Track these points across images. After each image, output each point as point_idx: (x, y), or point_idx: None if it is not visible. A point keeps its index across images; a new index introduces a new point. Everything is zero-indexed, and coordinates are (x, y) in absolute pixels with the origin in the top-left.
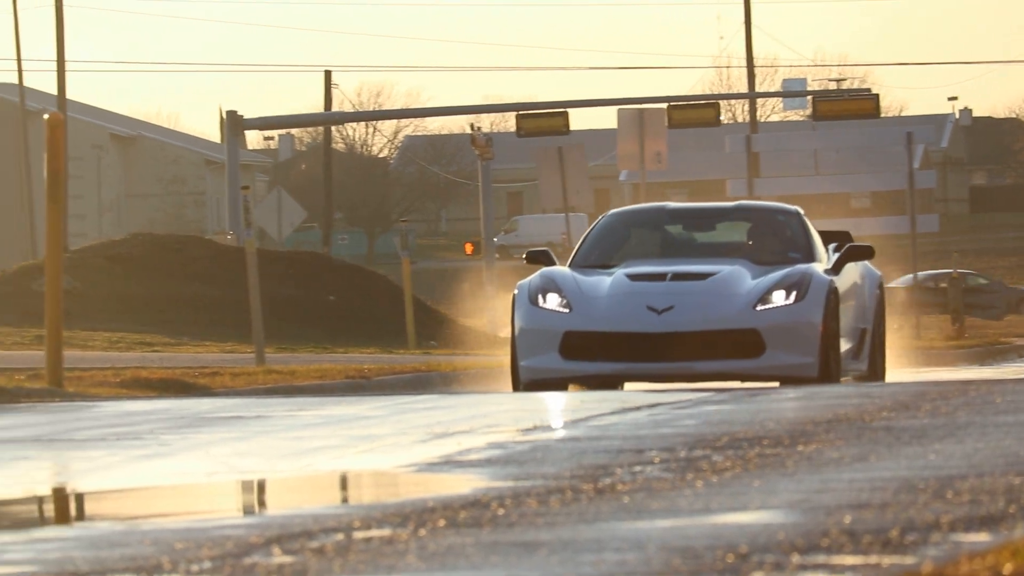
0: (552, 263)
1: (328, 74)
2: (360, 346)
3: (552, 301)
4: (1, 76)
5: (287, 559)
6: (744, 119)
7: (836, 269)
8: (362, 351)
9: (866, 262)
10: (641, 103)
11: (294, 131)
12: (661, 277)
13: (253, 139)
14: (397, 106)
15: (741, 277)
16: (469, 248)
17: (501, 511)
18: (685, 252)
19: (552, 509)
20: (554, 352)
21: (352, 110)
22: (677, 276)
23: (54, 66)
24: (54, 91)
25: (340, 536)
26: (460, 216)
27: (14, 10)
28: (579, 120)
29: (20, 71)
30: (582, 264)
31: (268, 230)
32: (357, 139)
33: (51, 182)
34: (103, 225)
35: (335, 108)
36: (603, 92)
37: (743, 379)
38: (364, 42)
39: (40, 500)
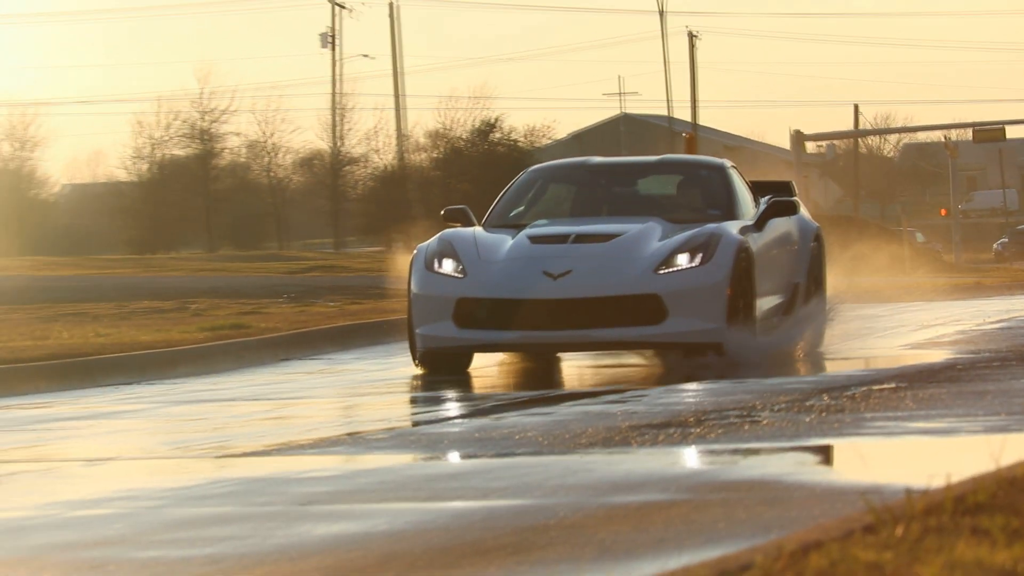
0: (470, 221)
1: (856, 107)
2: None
3: (447, 266)
4: (649, 108)
5: (832, 402)
6: None
7: (759, 225)
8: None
9: (804, 214)
10: None
11: (836, 141)
12: (563, 239)
13: (811, 146)
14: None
15: (648, 238)
16: (943, 212)
17: (962, 372)
18: (601, 210)
19: (995, 371)
20: (448, 320)
21: (870, 127)
22: (580, 238)
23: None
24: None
25: (863, 388)
26: (937, 193)
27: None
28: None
29: (669, 103)
30: (496, 223)
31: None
32: (873, 145)
33: None
34: None
35: (861, 126)
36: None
37: (645, 347)
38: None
39: None
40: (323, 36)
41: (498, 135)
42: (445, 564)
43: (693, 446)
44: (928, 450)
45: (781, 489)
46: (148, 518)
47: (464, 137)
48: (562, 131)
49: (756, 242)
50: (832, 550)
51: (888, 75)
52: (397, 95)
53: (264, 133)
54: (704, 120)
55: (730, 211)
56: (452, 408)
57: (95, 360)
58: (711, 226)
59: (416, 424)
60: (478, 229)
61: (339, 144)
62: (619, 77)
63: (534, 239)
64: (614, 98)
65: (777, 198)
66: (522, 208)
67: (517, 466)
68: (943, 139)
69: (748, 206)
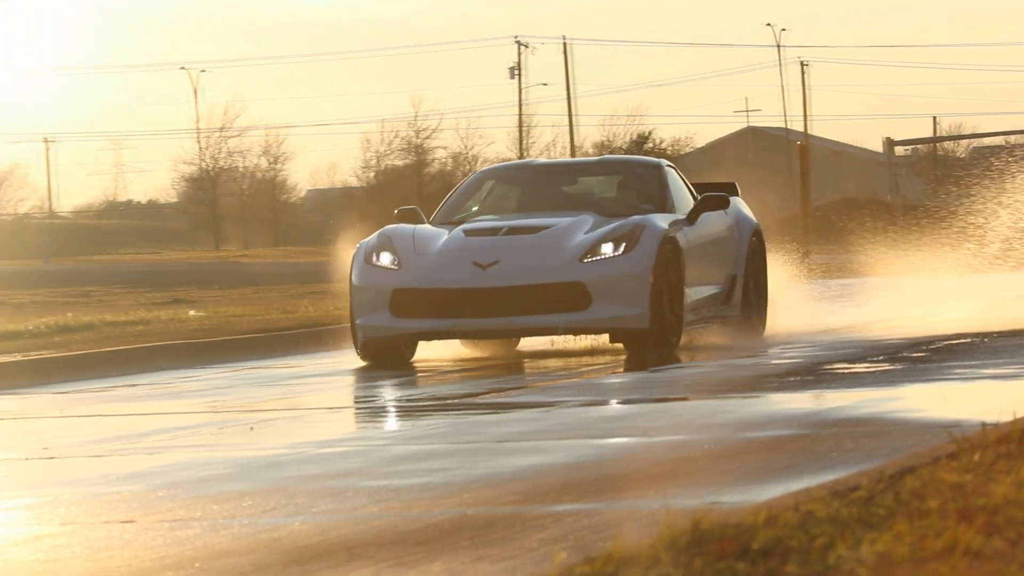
0: (420, 220)
1: (935, 118)
2: None
3: (384, 259)
4: (770, 122)
5: (919, 355)
6: None
7: (691, 219)
8: None
9: (742, 210)
10: None
11: (919, 146)
12: (495, 232)
13: (900, 150)
14: (968, 131)
15: (576, 230)
16: None
17: None
18: (541, 207)
19: None
20: (385, 310)
21: (946, 134)
22: (512, 230)
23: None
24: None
25: (944, 343)
26: None
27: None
28: None
29: (785, 118)
30: (443, 220)
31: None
32: (949, 149)
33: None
34: None
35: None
36: None
37: (571, 332)
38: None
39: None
40: (511, 69)
41: (650, 145)
42: (613, 489)
43: (810, 391)
44: (999, 391)
45: (881, 425)
46: (376, 455)
47: (623, 148)
48: (700, 141)
49: (687, 234)
50: (923, 474)
51: (960, 92)
52: (570, 114)
53: (465, 146)
54: (814, 131)
55: (662, 206)
56: (615, 362)
57: (335, 328)
58: (636, 217)
59: (586, 376)
60: (420, 225)
61: (524, 154)
62: (745, 98)
63: (468, 232)
64: (741, 114)
65: (709, 194)
66: (468, 207)
67: (670, 409)
68: (1004, 143)
69: (684, 202)
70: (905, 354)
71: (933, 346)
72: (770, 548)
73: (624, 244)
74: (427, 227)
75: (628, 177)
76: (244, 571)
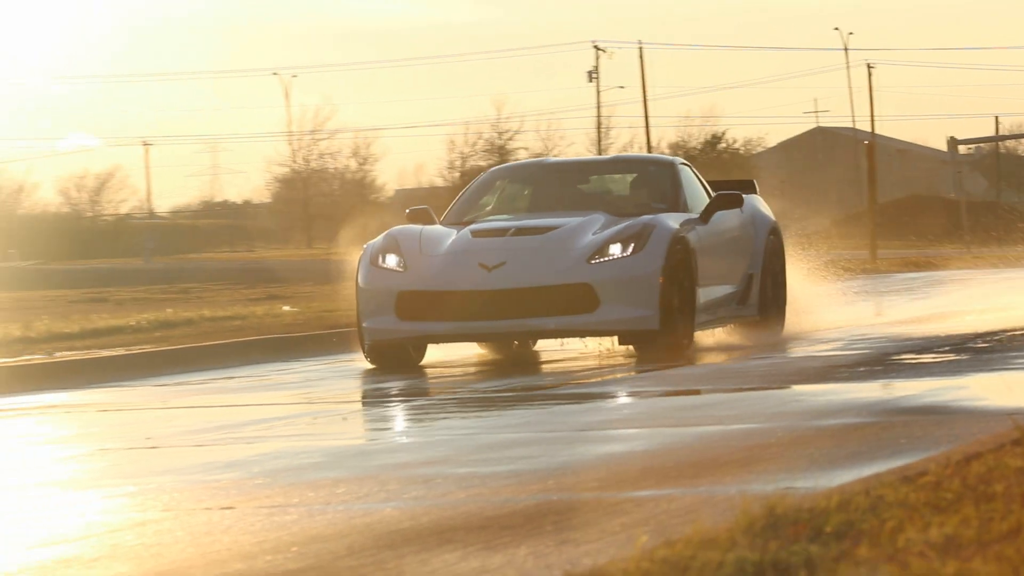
0: (431, 220)
1: (996, 118)
2: None
3: (390, 261)
4: (838, 122)
5: (984, 345)
6: None
7: (704, 218)
8: None
9: (759, 208)
10: None
11: (982, 144)
12: (503, 232)
13: (963, 148)
14: None
15: (585, 231)
16: None
17: None
18: (553, 207)
19: None
20: (391, 313)
21: (1008, 133)
22: (519, 231)
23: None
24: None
25: (1009, 335)
26: None
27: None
28: None
29: (853, 118)
30: (453, 220)
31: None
32: (1011, 147)
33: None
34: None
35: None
36: None
37: (579, 335)
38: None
39: None
40: (589, 73)
41: (723, 145)
42: (690, 475)
43: (879, 381)
44: None
45: (947, 412)
46: (463, 443)
47: (697, 147)
48: (771, 141)
49: (699, 234)
50: (988, 459)
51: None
52: (646, 116)
53: (545, 147)
54: (880, 130)
55: (675, 205)
56: (693, 355)
57: None
58: (646, 217)
59: (663, 369)
60: (427, 226)
61: (602, 154)
62: (815, 99)
63: (475, 233)
64: (811, 115)
65: (722, 192)
66: (479, 206)
67: (744, 398)
68: None
69: (699, 201)
70: (969, 345)
71: (996, 337)
72: (842, 531)
73: (633, 245)
74: (435, 228)
75: (641, 176)
76: (339, 555)
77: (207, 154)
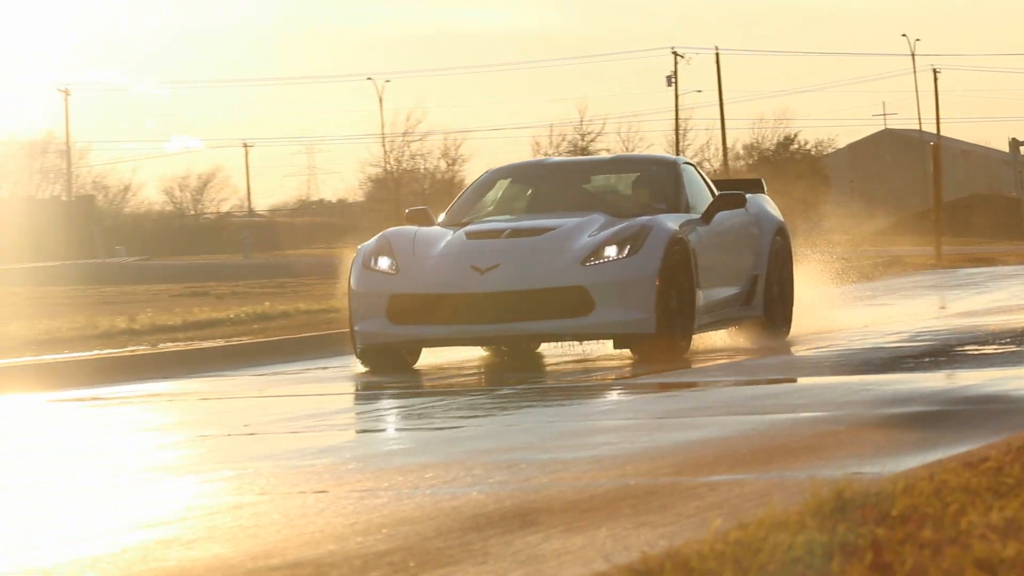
0: (430, 221)
1: None
2: None
3: (383, 263)
4: (905, 124)
5: None
6: None
7: (706, 219)
8: None
9: (765, 207)
10: None
11: None
12: (498, 234)
13: None
14: None
15: (582, 232)
16: None
17: None
18: (553, 207)
19: None
20: (382, 316)
21: None
22: (515, 232)
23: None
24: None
25: None
26: None
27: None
28: None
29: (919, 120)
30: (451, 221)
31: None
32: None
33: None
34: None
35: None
36: None
37: (574, 339)
38: None
39: None
40: (667, 77)
41: (795, 147)
42: (762, 461)
43: (943, 371)
44: None
45: (1009, 401)
46: (545, 430)
47: (770, 148)
48: (841, 143)
49: (700, 234)
50: None
51: None
52: (722, 118)
53: (626, 148)
54: (945, 132)
55: (676, 205)
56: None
57: None
58: (643, 218)
59: (742, 359)
60: (422, 228)
61: (681, 155)
62: (883, 102)
63: (470, 235)
64: (879, 118)
65: (724, 192)
66: (478, 207)
67: (813, 387)
68: None
69: (702, 201)
70: None
71: None
72: (907, 514)
73: (629, 246)
74: (431, 229)
75: (643, 176)
76: (427, 536)
77: (304, 155)
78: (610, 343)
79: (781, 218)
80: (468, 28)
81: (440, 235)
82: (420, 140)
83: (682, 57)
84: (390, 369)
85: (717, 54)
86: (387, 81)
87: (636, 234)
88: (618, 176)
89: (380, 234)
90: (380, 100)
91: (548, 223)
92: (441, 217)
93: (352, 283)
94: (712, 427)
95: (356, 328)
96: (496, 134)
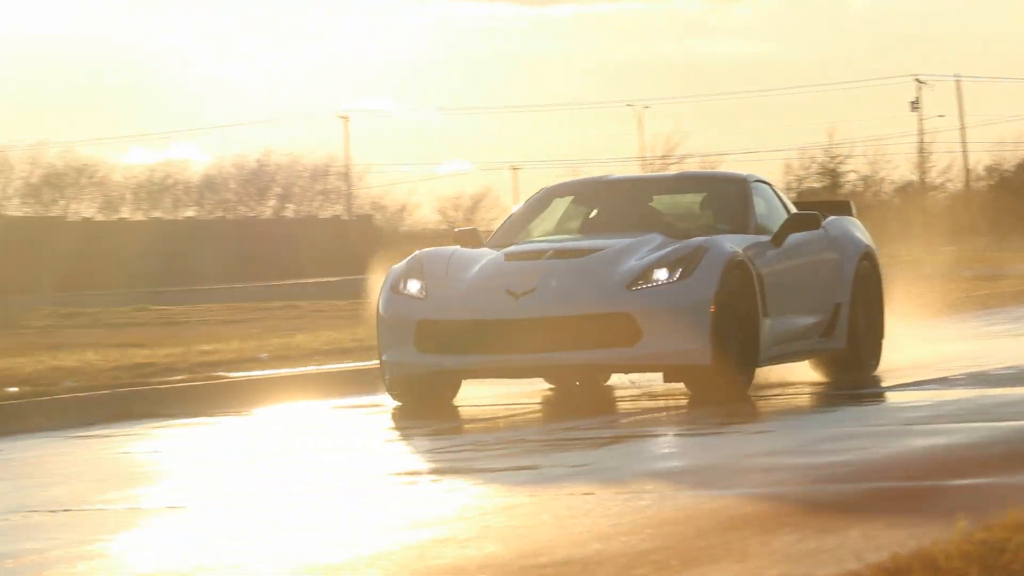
0: (478, 243)
1: None
2: None
3: (412, 287)
4: None
5: None
6: None
7: (776, 241)
8: None
9: (851, 231)
10: None
11: None
12: (538, 255)
13: None
14: None
15: (632, 253)
16: None
17: None
18: (608, 227)
19: None
20: (410, 344)
21: None
22: (558, 253)
23: None
24: None
25: None
26: None
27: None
28: None
29: None
30: (499, 242)
31: None
32: None
33: None
34: None
35: None
36: None
37: (618, 370)
38: None
39: None
40: (911, 103)
41: None
42: (1007, 466)
43: None
44: None
45: None
46: (798, 436)
47: (1011, 170)
48: None
49: (768, 258)
50: None
51: None
52: (963, 142)
53: (872, 170)
54: None
55: (742, 226)
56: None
57: None
58: (699, 239)
59: (980, 368)
60: (460, 248)
61: (924, 177)
62: None
63: (509, 256)
64: None
65: (797, 213)
66: (531, 227)
67: None
68: None
69: (774, 223)
70: None
71: None
72: None
73: (681, 269)
74: (470, 250)
75: (711, 195)
76: (688, 536)
77: (568, 177)
78: (659, 376)
79: (870, 242)
80: (722, 58)
81: (478, 257)
82: (678, 163)
83: (924, 83)
84: (425, 405)
85: (958, 81)
86: (646, 107)
87: (690, 256)
88: (685, 195)
89: (413, 254)
90: (640, 125)
91: (596, 244)
92: (488, 238)
93: (380, 308)
94: (959, 433)
95: (383, 358)
96: (750, 157)
